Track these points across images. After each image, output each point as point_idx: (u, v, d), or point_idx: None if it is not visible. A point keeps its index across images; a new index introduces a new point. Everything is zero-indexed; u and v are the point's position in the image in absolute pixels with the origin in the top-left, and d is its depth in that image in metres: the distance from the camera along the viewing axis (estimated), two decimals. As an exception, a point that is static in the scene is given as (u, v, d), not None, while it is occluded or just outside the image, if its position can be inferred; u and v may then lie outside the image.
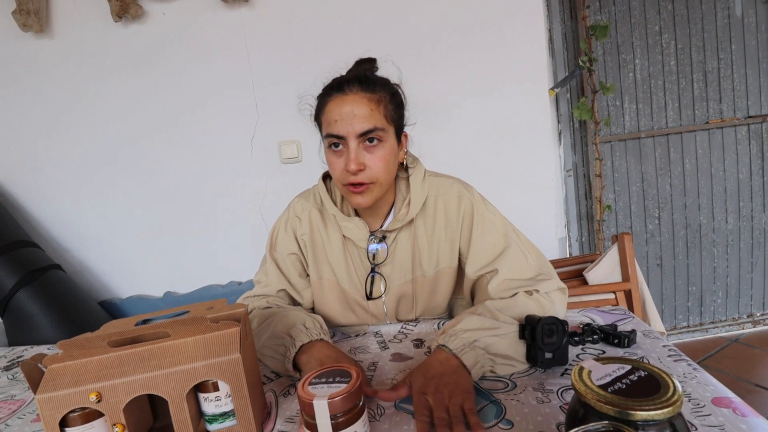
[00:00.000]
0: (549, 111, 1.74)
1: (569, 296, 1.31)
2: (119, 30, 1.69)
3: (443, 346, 0.68)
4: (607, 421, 0.37)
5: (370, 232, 0.86)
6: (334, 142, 0.77)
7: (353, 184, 0.76)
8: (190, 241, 1.83)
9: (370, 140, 0.76)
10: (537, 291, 0.77)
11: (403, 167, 0.88)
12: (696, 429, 0.52)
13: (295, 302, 0.92)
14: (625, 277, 1.33)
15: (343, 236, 0.86)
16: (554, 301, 0.77)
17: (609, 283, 1.32)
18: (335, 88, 0.78)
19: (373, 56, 0.86)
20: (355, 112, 0.74)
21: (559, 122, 2.00)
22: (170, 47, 1.70)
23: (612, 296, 1.32)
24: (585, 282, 1.39)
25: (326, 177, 0.91)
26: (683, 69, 1.97)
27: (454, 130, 1.73)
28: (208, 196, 1.80)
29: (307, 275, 0.92)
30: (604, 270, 1.36)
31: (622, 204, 2.07)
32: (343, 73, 0.83)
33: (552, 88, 1.80)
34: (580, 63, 1.81)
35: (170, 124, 1.75)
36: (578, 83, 1.96)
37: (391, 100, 0.79)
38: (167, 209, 1.81)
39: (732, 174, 2.04)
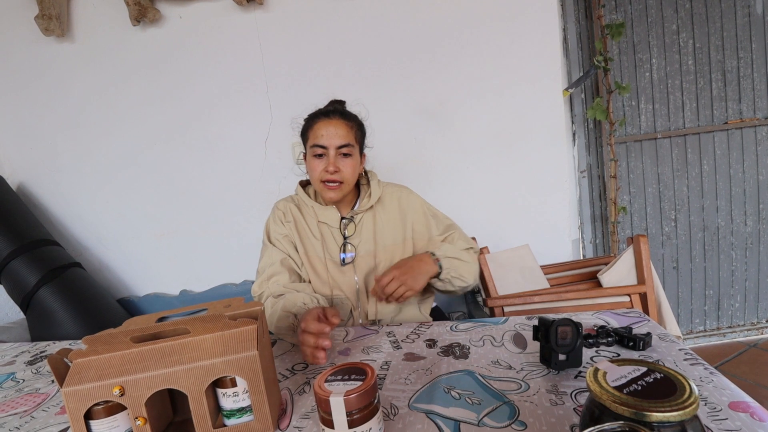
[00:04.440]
0: (563, 111, 1.73)
1: (582, 299, 1.32)
2: (137, 34, 1.73)
3: (432, 252, 1.05)
4: (622, 421, 0.37)
5: (341, 216, 1.13)
6: (318, 152, 1.05)
7: (329, 182, 1.05)
8: (205, 240, 1.86)
9: (344, 154, 1.06)
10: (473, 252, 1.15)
11: (364, 177, 1.20)
12: (713, 433, 0.51)
13: (296, 273, 1.11)
14: (641, 280, 1.31)
15: (318, 221, 1.13)
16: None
17: (624, 286, 1.31)
18: (323, 114, 1.08)
19: (343, 99, 1.16)
20: (338, 132, 1.05)
21: (573, 122, 1.98)
22: (186, 50, 1.73)
23: (627, 299, 1.31)
24: (599, 284, 1.38)
25: (302, 185, 1.19)
26: (701, 68, 1.93)
27: (466, 129, 1.72)
28: (223, 197, 1.83)
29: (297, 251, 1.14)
30: (619, 272, 1.34)
31: (638, 206, 2.04)
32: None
33: (566, 89, 1.79)
34: (596, 62, 1.79)
35: (186, 125, 1.78)
36: (593, 83, 1.94)
37: (359, 129, 1.11)
38: (183, 209, 1.85)
39: (752, 175, 1.99)
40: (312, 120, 1.09)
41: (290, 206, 1.16)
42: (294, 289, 1.03)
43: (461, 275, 1.06)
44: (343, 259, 1.11)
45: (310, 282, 1.11)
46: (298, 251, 1.12)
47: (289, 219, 1.14)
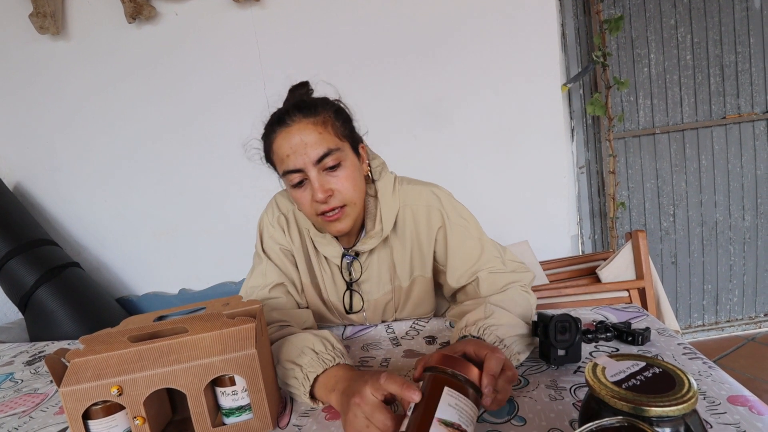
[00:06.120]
0: (561, 107, 1.72)
1: (581, 294, 1.31)
2: (133, 31, 1.72)
3: (477, 337, 0.63)
4: (621, 416, 0.37)
5: (344, 249, 0.84)
6: (295, 180, 0.73)
7: (326, 212, 0.74)
8: (204, 239, 1.86)
9: (331, 167, 0.73)
10: (522, 285, 0.79)
11: (369, 180, 0.84)
12: (711, 427, 0.51)
13: (294, 300, 0.86)
14: (639, 275, 1.31)
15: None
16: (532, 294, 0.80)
17: (622, 281, 1.31)
18: (277, 122, 0.74)
19: (304, 80, 0.84)
20: (305, 141, 0.71)
21: (571, 118, 1.97)
22: (183, 47, 1.72)
23: (626, 294, 1.31)
24: (598, 280, 1.38)
25: None
26: (699, 63, 1.93)
27: (464, 125, 1.72)
28: (222, 195, 1.82)
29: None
30: (618, 268, 1.34)
31: (636, 201, 2.04)
32: (280, 105, 0.79)
33: (565, 84, 1.79)
34: (594, 58, 1.79)
35: (183, 123, 1.78)
36: (591, 78, 1.94)
37: (336, 117, 0.76)
38: (181, 208, 1.84)
39: (750, 170, 1.99)
40: (269, 136, 0.76)
41: (295, 210, 0.86)
42: (294, 318, 0.80)
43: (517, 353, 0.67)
44: (348, 310, 0.90)
45: (308, 307, 0.90)
46: (299, 271, 0.87)
47: (293, 229, 0.85)
